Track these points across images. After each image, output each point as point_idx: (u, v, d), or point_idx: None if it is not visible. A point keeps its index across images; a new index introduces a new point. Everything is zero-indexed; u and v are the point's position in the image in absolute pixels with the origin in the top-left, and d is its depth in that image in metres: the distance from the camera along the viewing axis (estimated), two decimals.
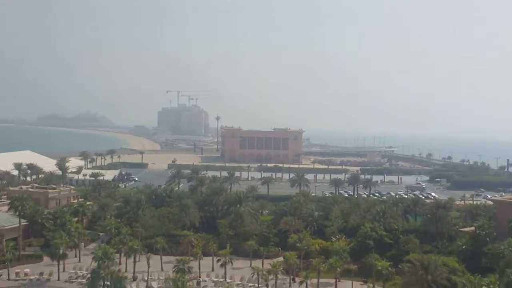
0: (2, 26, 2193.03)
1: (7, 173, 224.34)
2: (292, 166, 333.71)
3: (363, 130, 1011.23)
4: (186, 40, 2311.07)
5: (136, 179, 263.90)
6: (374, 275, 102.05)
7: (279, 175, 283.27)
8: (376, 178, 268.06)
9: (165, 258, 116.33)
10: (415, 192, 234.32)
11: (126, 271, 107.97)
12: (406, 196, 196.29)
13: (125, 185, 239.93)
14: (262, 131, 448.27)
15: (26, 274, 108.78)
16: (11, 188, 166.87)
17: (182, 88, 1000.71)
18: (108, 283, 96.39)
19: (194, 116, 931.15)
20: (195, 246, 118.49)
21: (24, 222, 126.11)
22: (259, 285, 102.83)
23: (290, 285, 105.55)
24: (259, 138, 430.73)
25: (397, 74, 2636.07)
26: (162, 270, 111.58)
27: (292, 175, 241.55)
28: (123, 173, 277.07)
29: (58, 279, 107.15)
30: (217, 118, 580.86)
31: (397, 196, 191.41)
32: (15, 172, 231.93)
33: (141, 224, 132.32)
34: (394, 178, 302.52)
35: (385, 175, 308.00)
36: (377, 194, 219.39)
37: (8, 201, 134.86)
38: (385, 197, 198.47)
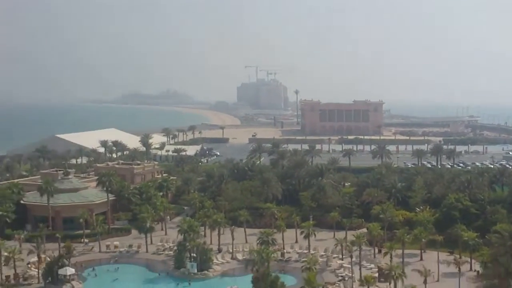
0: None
1: (94, 150, 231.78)
2: (373, 137, 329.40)
3: (444, 100, 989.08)
4: (264, 15, 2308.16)
5: (218, 153, 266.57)
6: (460, 245, 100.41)
7: (360, 147, 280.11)
8: (460, 148, 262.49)
9: (248, 230, 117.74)
10: (501, 162, 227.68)
11: (211, 243, 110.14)
12: (492, 166, 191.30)
13: (207, 160, 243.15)
14: (342, 103, 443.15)
15: (116, 247, 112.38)
16: (98, 165, 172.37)
17: (260, 63, 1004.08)
18: (194, 254, 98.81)
19: (273, 90, 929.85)
20: (278, 219, 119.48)
21: (112, 197, 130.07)
22: (343, 256, 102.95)
23: (374, 256, 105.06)
24: (339, 110, 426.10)
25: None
26: (246, 242, 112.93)
27: (373, 146, 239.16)
28: (205, 148, 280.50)
29: (147, 251, 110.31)
30: (296, 92, 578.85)
31: (482, 166, 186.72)
32: (101, 150, 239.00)
33: (224, 197, 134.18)
34: (479, 148, 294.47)
35: (469, 145, 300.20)
36: (461, 165, 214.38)
37: (96, 177, 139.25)
38: (469, 167, 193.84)
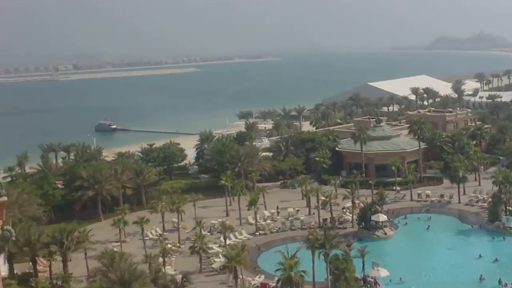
0: None
1: (405, 97, 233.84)
2: None
3: None
4: None
5: None
6: None
7: None
8: None
9: None
10: None
11: None
12: None
13: None
14: None
15: (427, 196, 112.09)
16: (409, 112, 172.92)
17: None
18: (510, 208, 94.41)
19: None
20: None
21: (423, 145, 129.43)
22: None
23: None
24: None
25: None
26: None
27: None
28: None
29: (459, 202, 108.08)
30: None
31: None
32: (412, 97, 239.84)
33: None
34: None
35: None
36: None
37: (407, 125, 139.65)
38: None
